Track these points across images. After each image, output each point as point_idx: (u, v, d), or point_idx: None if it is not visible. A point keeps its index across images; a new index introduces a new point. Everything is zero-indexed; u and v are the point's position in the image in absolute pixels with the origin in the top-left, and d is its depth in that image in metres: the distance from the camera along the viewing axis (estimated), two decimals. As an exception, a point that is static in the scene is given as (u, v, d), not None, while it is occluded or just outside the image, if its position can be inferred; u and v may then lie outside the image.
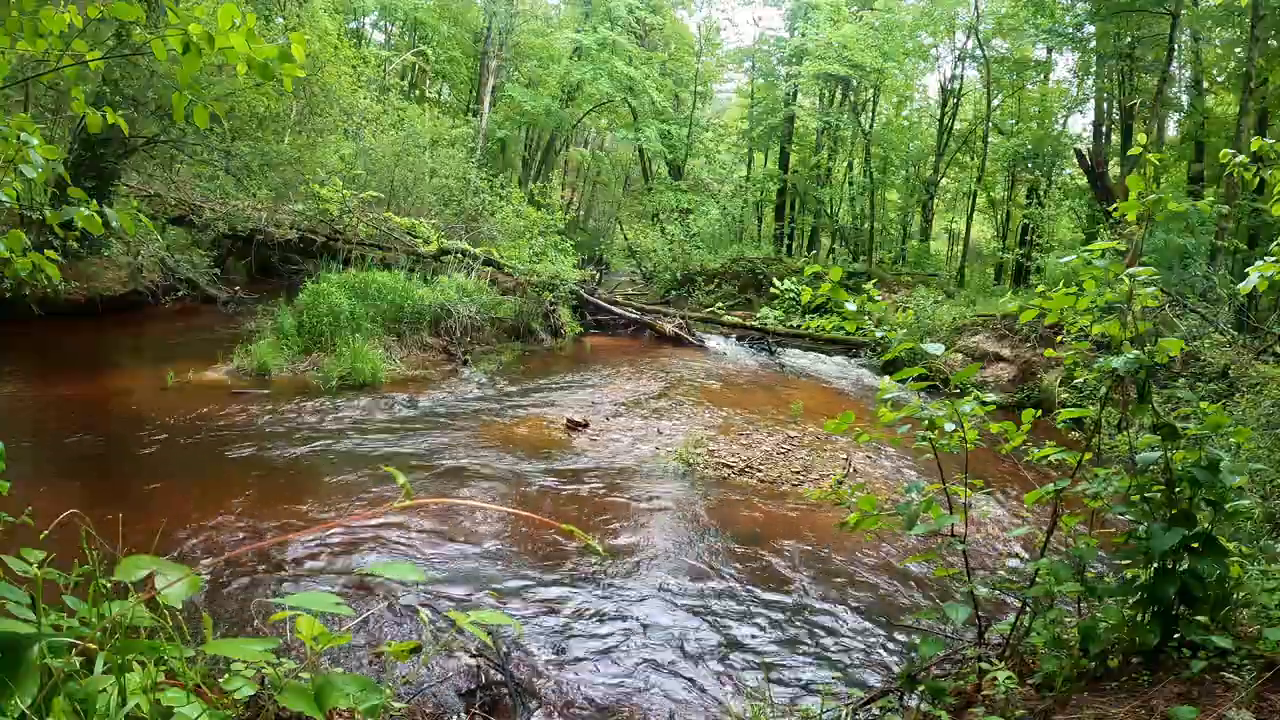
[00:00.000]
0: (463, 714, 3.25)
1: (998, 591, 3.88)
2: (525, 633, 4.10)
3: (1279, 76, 16.24)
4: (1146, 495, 2.78)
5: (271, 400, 8.22)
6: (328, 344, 9.85)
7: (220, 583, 4.25)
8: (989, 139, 24.47)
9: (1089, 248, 2.89)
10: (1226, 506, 2.65)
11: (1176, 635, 2.59)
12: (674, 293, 20.92)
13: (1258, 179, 3.48)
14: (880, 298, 3.13)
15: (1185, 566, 2.60)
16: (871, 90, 26.59)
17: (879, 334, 3.19)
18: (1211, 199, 3.55)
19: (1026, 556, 5.51)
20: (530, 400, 9.57)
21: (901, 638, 4.40)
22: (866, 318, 3.11)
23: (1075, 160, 20.68)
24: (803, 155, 28.66)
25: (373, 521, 5.28)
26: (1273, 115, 17.04)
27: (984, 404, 3.03)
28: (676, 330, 15.45)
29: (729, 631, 4.37)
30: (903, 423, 3.15)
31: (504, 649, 3.87)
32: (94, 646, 1.50)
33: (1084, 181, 20.06)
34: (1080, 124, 26.00)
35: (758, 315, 18.19)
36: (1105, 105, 21.94)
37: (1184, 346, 3.17)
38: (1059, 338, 4.17)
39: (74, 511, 1.84)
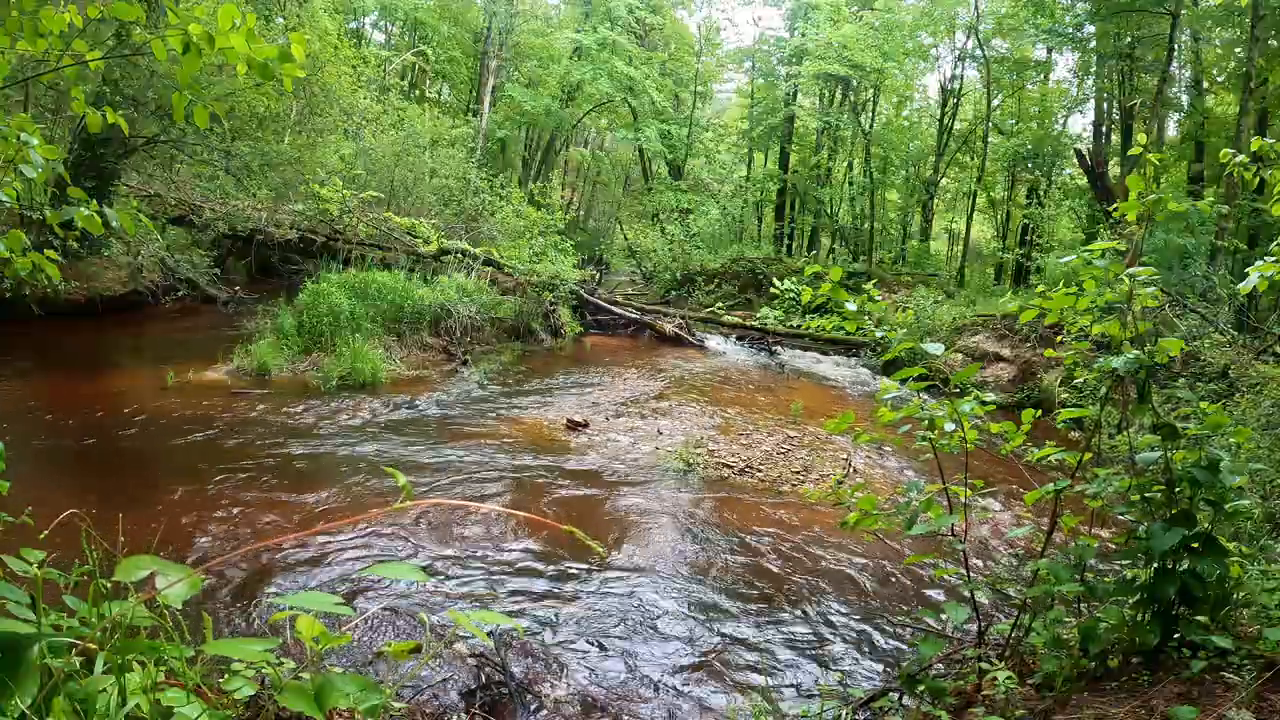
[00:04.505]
0: (463, 714, 3.25)
1: (998, 591, 3.88)
2: (525, 633, 4.10)
3: (1279, 76, 16.24)
4: (1146, 495, 2.78)
5: (271, 400, 8.22)
6: (328, 344, 9.85)
7: (220, 583, 4.25)
8: (989, 139, 24.48)
9: (1089, 248, 2.89)
10: (1226, 506, 2.65)
11: (1176, 635, 2.59)
12: (674, 293, 20.92)
13: (1258, 179, 3.48)
14: (880, 298, 3.13)
15: (1185, 566, 2.60)
16: (871, 90, 26.59)
17: (879, 334, 3.19)
18: (1211, 199, 3.55)
19: (1026, 556, 5.51)
20: (530, 400, 9.57)
21: (901, 638, 4.40)
22: (866, 318, 3.12)
23: (1075, 160, 20.68)
24: (803, 155, 28.67)
25: (373, 522, 5.28)
26: (1273, 115, 17.03)
27: (984, 404, 3.03)
28: (676, 330, 15.45)
29: (729, 631, 4.37)
30: (903, 423, 3.15)
31: (504, 649, 3.87)
32: (94, 646, 1.50)
33: (1084, 181, 20.06)
34: (1080, 124, 26.05)
35: (758, 315, 18.20)
36: (1105, 105, 21.94)
37: (1184, 346, 3.17)
38: (1059, 338, 4.18)
39: (74, 511, 1.84)
